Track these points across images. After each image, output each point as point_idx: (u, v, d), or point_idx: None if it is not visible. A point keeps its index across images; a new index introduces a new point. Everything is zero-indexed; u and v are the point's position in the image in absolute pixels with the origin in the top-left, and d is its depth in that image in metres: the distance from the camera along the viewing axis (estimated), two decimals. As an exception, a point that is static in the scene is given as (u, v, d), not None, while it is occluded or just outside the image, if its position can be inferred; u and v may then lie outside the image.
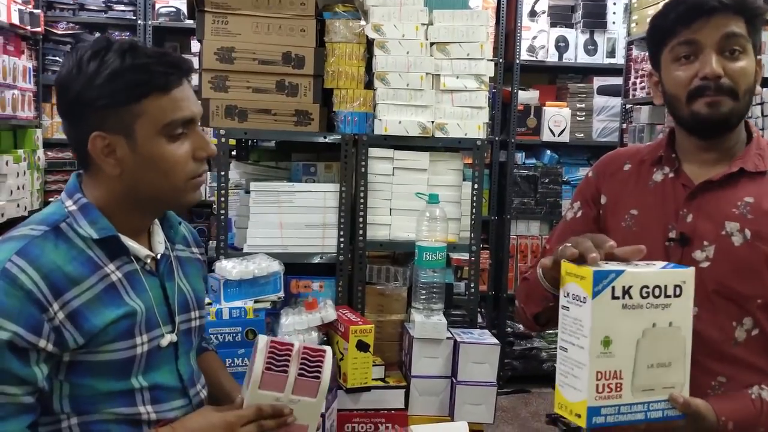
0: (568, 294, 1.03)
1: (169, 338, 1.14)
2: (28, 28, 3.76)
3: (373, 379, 1.80)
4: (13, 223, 2.91)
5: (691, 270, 1.05)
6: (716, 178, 1.24)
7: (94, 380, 1.06)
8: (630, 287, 0.99)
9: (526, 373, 4.21)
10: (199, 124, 1.15)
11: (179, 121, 1.09)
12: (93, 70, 1.05)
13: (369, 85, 2.08)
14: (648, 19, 4.14)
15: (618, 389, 1.00)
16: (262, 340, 1.14)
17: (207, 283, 1.40)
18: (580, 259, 1.04)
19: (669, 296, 1.02)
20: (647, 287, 1.01)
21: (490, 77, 2.10)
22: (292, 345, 1.13)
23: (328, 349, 1.16)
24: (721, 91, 1.19)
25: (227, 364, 1.72)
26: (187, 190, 1.13)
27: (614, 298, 0.99)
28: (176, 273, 1.19)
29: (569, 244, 1.06)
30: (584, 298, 0.99)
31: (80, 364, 1.05)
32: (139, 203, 1.12)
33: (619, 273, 0.99)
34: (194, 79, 1.36)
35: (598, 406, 0.99)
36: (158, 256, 1.16)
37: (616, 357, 0.99)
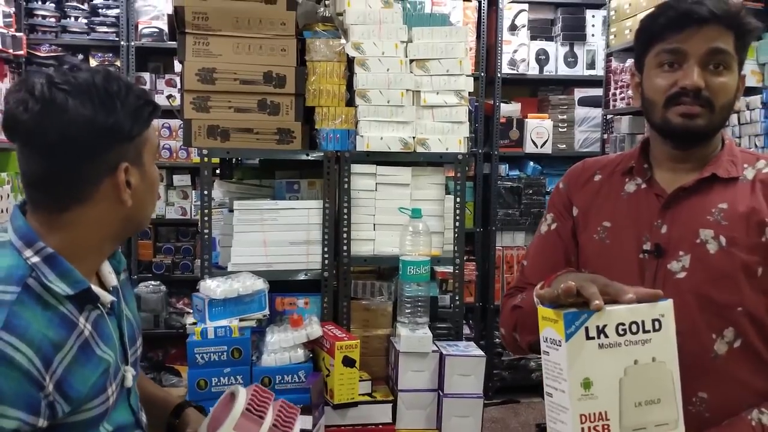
0: (546, 339, 1.01)
1: (130, 375, 1.11)
2: (11, 51, 3.76)
3: (359, 395, 1.80)
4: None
5: (669, 302, 1.02)
6: (689, 185, 1.22)
7: None
8: (605, 326, 0.97)
9: (515, 383, 4.21)
10: None
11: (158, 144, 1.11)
12: (122, 99, 1.01)
13: (350, 103, 2.11)
14: (626, 31, 4.20)
15: (606, 431, 0.97)
16: (242, 388, 1.15)
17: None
18: (578, 297, 1.00)
19: (648, 331, 0.99)
20: (623, 324, 0.98)
21: (471, 91, 2.13)
22: (271, 395, 1.14)
23: (299, 410, 1.18)
24: (698, 101, 1.17)
25: (213, 384, 1.72)
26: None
27: (589, 338, 0.97)
28: (122, 304, 1.15)
29: (572, 283, 1.00)
30: (559, 341, 0.97)
31: (58, 427, 0.99)
32: (119, 235, 1.09)
33: (590, 313, 0.97)
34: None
35: None
36: (114, 293, 1.12)
37: (600, 398, 0.97)
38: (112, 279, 1.13)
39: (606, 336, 0.97)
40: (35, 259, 0.99)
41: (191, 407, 1.30)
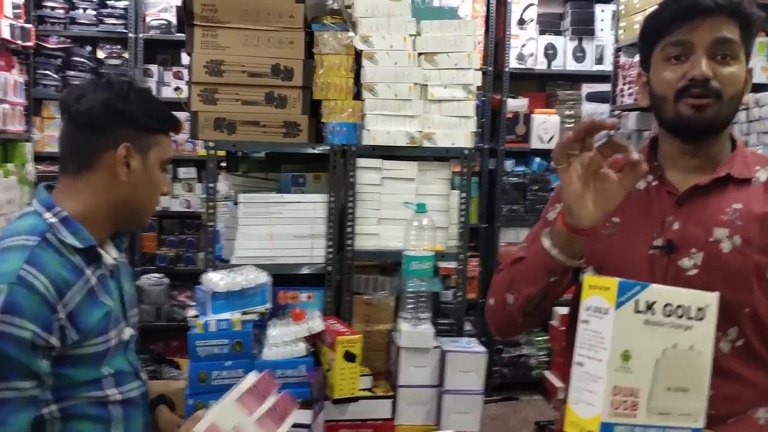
0: (589, 307, 1.01)
1: (128, 332, 1.33)
2: (19, 42, 3.77)
3: (360, 390, 1.80)
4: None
5: (716, 294, 1.03)
6: (703, 184, 1.22)
7: (75, 370, 1.22)
8: (654, 303, 0.98)
9: (515, 380, 4.21)
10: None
11: (170, 159, 1.38)
12: (142, 98, 1.31)
13: (357, 96, 2.10)
14: (636, 26, 4.17)
15: (634, 408, 0.97)
16: (255, 372, 1.32)
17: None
18: (591, 131, 1.09)
19: (692, 318, 1.00)
20: (671, 305, 0.99)
21: (479, 86, 2.12)
22: (277, 384, 1.30)
23: (297, 405, 1.33)
24: (708, 92, 1.17)
25: (214, 377, 1.72)
26: (150, 214, 1.40)
27: (637, 311, 0.97)
28: (123, 276, 1.39)
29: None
30: (607, 309, 0.97)
31: (66, 357, 1.20)
32: (116, 213, 1.31)
33: (644, 286, 0.98)
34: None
35: (612, 423, 0.96)
36: (116, 262, 1.35)
37: (635, 373, 0.97)
38: (114, 253, 1.36)
39: (653, 313, 0.98)
40: (53, 220, 1.24)
41: (164, 404, 1.52)
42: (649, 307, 0.98)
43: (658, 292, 0.98)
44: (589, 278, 1.02)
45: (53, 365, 1.18)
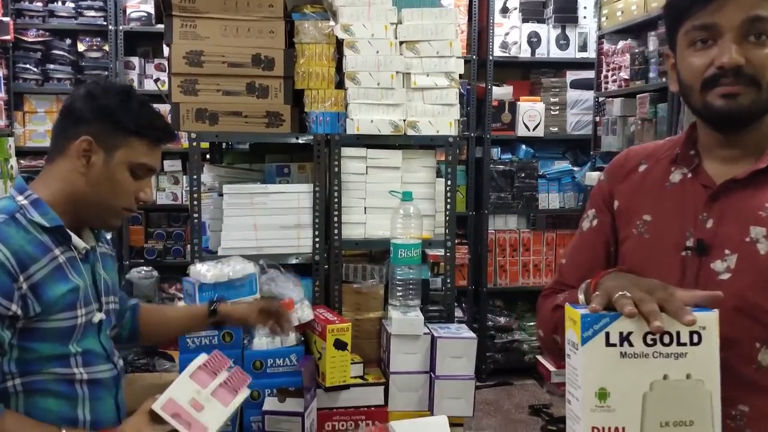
0: (569, 341, 0.92)
1: (99, 316, 1.34)
2: (-3, 36, 3.72)
3: (351, 377, 1.81)
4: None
5: (714, 314, 0.90)
6: (741, 177, 1.08)
7: (41, 345, 1.24)
8: (629, 333, 0.88)
9: (508, 365, 4.24)
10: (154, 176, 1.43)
11: (146, 167, 1.35)
12: (128, 100, 1.32)
13: (340, 85, 2.09)
14: (618, 13, 4.15)
15: None
16: (205, 354, 1.34)
17: (120, 275, 1.59)
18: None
19: (684, 344, 0.88)
20: (653, 333, 0.88)
21: (462, 74, 2.12)
22: (228, 360, 1.35)
23: (249, 379, 1.36)
24: (740, 80, 1.04)
25: (204, 368, 1.72)
26: (116, 215, 1.36)
27: (609, 345, 0.88)
28: (99, 263, 1.40)
29: (627, 294, 0.91)
30: (576, 344, 0.89)
31: (31, 330, 1.23)
32: (76, 204, 1.31)
33: (614, 317, 0.88)
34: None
35: None
36: (89, 247, 1.36)
37: (617, 412, 0.88)
38: (90, 241, 1.37)
39: (630, 345, 0.88)
40: (24, 202, 1.28)
41: (221, 304, 1.59)
42: (625, 338, 0.88)
43: (635, 322, 0.88)
44: (567, 310, 0.93)
45: (19, 338, 1.22)
